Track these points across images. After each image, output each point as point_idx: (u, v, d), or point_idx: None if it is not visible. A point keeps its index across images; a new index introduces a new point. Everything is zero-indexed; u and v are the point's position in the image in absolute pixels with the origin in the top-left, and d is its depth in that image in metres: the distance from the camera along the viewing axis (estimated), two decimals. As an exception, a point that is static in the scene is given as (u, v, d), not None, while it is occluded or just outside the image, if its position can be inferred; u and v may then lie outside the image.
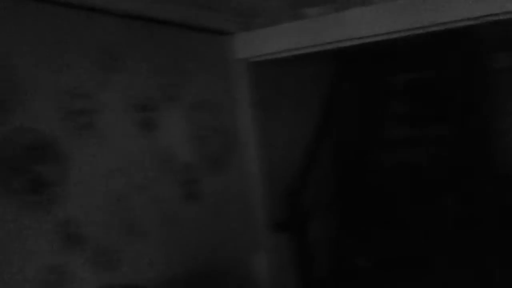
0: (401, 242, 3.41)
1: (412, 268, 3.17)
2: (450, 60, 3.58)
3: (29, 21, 1.54)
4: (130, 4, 1.83)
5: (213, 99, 2.31)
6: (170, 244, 1.97)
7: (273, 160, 2.86)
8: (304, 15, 2.32)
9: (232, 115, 2.43)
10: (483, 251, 3.10)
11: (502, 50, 3.85)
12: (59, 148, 1.59)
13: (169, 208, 1.98)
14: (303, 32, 2.31)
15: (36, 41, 1.56)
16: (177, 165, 2.05)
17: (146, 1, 1.89)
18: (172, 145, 2.04)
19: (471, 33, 3.26)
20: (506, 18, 1.94)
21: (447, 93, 3.66)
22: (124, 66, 1.85)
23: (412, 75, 3.83)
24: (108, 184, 1.74)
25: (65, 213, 1.58)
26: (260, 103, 2.65)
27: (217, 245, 2.22)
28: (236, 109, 2.48)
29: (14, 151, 1.46)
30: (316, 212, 3.22)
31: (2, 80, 1.45)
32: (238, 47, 2.48)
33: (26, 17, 1.53)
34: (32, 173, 1.50)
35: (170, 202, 1.99)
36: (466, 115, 3.55)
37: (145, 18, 1.93)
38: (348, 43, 2.28)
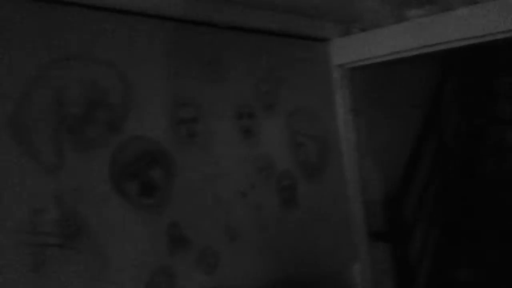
0: (509, 258, 3.15)
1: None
2: None
3: (142, 36, 1.65)
4: (232, 16, 1.89)
5: (311, 106, 2.31)
6: (268, 251, 1.99)
7: (372, 167, 2.79)
8: (406, 17, 2.24)
9: (330, 122, 2.41)
10: None
11: None
12: (167, 154, 1.68)
13: (267, 214, 2.01)
14: (406, 34, 2.22)
15: (148, 55, 1.67)
16: (275, 172, 2.08)
17: (246, 12, 1.95)
18: (270, 152, 2.06)
19: None
20: None
21: None
22: (226, 75, 1.92)
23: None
24: (211, 189, 1.81)
25: (172, 216, 1.67)
26: (359, 109, 2.60)
27: (313, 254, 2.20)
28: (334, 115, 2.45)
29: (130, 157, 1.58)
30: (417, 221, 3.08)
31: (122, 92, 1.58)
32: (336, 53, 2.46)
33: (140, 32, 1.65)
34: (145, 177, 1.61)
35: (268, 208, 2.02)
36: None
37: (246, 29, 1.99)
38: (454, 45, 2.16)
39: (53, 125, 1.40)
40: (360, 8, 2.38)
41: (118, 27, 1.59)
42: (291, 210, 2.12)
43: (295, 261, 2.11)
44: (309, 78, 2.32)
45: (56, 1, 1.43)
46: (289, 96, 2.19)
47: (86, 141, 1.48)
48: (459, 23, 2.06)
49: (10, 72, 1.32)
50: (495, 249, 3.28)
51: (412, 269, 2.84)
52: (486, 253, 3.31)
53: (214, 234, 1.80)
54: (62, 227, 1.38)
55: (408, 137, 3.18)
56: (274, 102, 2.12)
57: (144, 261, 1.58)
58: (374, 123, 2.97)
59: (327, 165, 2.36)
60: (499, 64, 3.66)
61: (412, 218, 3.00)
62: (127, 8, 1.58)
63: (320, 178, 2.31)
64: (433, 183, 3.28)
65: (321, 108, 2.37)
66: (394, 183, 2.96)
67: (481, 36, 2.05)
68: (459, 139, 3.61)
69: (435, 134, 3.32)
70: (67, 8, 1.46)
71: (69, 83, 1.45)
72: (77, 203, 1.43)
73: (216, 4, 1.83)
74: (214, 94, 1.87)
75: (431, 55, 2.37)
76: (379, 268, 2.72)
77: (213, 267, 1.77)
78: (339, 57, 2.46)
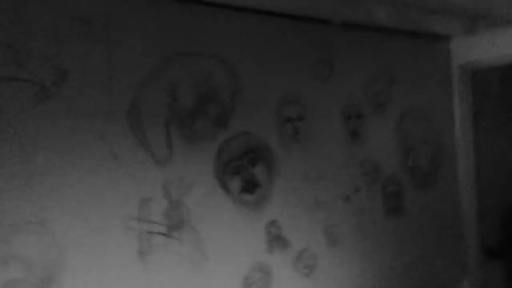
0: None
1: None
2: None
3: (253, 32, 1.65)
4: (345, 12, 1.82)
5: (425, 108, 2.15)
6: (367, 258, 1.90)
7: (489, 176, 2.54)
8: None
9: (446, 126, 2.23)
10: None
11: None
12: (270, 152, 1.67)
13: (370, 221, 1.92)
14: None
15: (258, 52, 1.66)
16: (381, 176, 1.97)
17: (359, 7, 1.86)
18: (377, 156, 1.96)
19: None
20: None
21: None
22: (336, 73, 1.85)
23: None
24: (312, 190, 1.77)
25: (272, 215, 1.66)
26: (479, 114, 2.38)
27: (417, 265, 2.06)
28: (451, 119, 2.26)
29: (235, 153, 1.59)
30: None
31: (232, 88, 1.59)
32: (457, 52, 2.26)
33: (250, 29, 1.65)
34: (247, 174, 1.61)
35: (371, 215, 1.93)
36: None
37: (358, 25, 1.90)
38: None
39: (166, 117, 1.46)
40: (488, 2, 2.15)
41: (230, 23, 1.60)
42: (396, 218, 2.01)
43: (397, 273, 1.99)
44: (426, 78, 2.16)
45: (174, -2, 1.48)
46: (402, 97, 2.06)
47: (195, 134, 1.52)
48: None
49: (128, 68, 1.40)
50: None
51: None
52: None
53: (313, 236, 1.76)
54: (168, 217, 1.44)
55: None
56: (385, 102, 2.01)
57: (242, 256, 1.59)
58: (496, 130, 2.69)
59: (439, 172, 2.19)
60: None
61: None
62: (239, 4, 1.59)
63: (431, 185, 2.15)
64: None
65: (438, 111, 2.20)
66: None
67: None
68: None
69: None
70: (180, 5, 1.50)
71: (183, 78, 1.49)
72: (183, 195, 1.48)
73: (331, 0, 1.77)
74: (323, 93, 1.82)
75: None
76: (491, 286, 2.48)
77: (310, 270, 1.74)
78: (461, 56, 2.26)
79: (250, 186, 1.62)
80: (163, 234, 1.43)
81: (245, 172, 1.61)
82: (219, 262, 1.53)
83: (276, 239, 1.66)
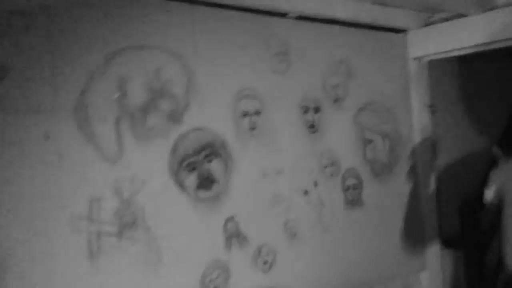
0: None
1: None
2: None
3: (206, 25, 1.61)
4: (301, 5, 1.80)
5: (383, 101, 2.16)
6: (327, 251, 1.90)
7: (447, 168, 2.59)
8: (496, 4, 2.01)
9: (404, 118, 2.25)
10: None
11: None
12: (227, 147, 1.65)
13: (330, 213, 1.92)
14: (493, 25, 2.00)
15: (211, 45, 1.63)
16: (340, 170, 1.97)
17: (316, 1, 1.85)
18: (335, 149, 1.96)
19: None
20: None
21: None
22: (293, 67, 1.84)
23: None
24: (271, 185, 1.75)
25: (230, 211, 1.63)
26: (436, 106, 2.41)
27: (377, 258, 2.08)
28: (409, 112, 2.28)
29: (190, 149, 1.56)
30: (496, 228, 2.82)
31: (186, 82, 1.55)
32: (414, 45, 2.28)
33: (204, 21, 1.61)
34: (203, 170, 1.58)
35: (331, 207, 1.93)
36: None
37: (315, 18, 1.89)
38: None
39: (116, 114, 1.41)
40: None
41: (182, 16, 1.56)
42: (356, 211, 2.01)
43: (357, 265, 2.00)
44: (383, 71, 2.18)
45: (122, -10, 1.43)
46: (359, 90, 2.07)
47: (147, 131, 1.48)
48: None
49: (75, 63, 1.34)
50: None
51: (487, 281, 2.61)
52: None
53: (272, 231, 1.74)
54: (119, 217, 1.39)
55: (491, 138, 2.91)
56: (343, 95, 2.01)
57: (199, 255, 1.56)
58: (453, 121, 2.75)
59: (398, 164, 2.21)
60: None
61: (491, 225, 2.75)
62: (192, -3, 1.55)
63: (390, 177, 2.17)
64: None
65: (395, 103, 2.22)
66: (472, 185, 2.73)
67: None
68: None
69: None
70: (131, -2, 1.45)
71: (133, 73, 1.45)
72: (135, 193, 1.43)
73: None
74: (280, 87, 1.80)
75: None
76: (450, 278, 2.53)
77: (269, 265, 1.72)
78: (417, 49, 2.28)
79: (206, 182, 1.59)
80: (115, 235, 1.38)
81: (201, 169, 1.58)
82: (174, 261, 1.49)
83: (234, 236, 1.64)
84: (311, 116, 1.89)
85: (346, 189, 1.99)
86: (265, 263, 1.71)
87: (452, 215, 2.56)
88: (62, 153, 1.30)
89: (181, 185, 1.53)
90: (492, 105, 2.96)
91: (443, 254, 2.40)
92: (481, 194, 2.69)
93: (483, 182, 2.74)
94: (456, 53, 2.23)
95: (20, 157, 1.24)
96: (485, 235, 2.67)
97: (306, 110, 1.87)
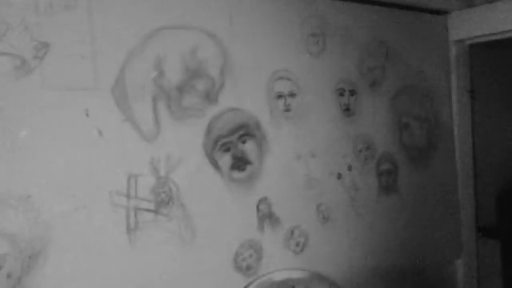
0: None
1: None
2: None
3: (242, 6, 1.61)
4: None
5: (422, 85, 2.11)
6: (359, 236, 1.89)
7: (485, 155, 2.52)
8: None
9: (443, 103, 2.19)
10: None
11: None
12: (261, 129, 1.65)
13: (363, 198, 1.90)
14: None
15: (247, 25, 1.63)
16: (375, 154, 1.95)
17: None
18: (371, 133, 1.94)
19: None
20: None
21: None
22: (329, 49, 1.82)
23: None
24: (304, 167, 1.75)
25: (262, 192, 1.64)
26: (476, 91, 2.34)
27: (410, 244, 2.05)
28: (448, 97, 2.22)
29: (225, 129, 1.57)
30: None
31: (221, 63, 1.56)
32: (455, 27, 2.21)
33: (239, 2, 1.61)
34: (237, 151, 1.59)
35: (364, 192, 1.91)
36: None
37: (354, -1, 1.86)
38: None
39: (153, 93, 1.43)
40: (487, -24, 2.10)
41: None
42: (390, 197, 1.99)
43: (390, 251, 1.98)
44: (423, 54, 2.12)
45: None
46: (398, 73, 2.02)
47: (183, 110, 1.49)
48: None
49: (113, 41, 1.37)
50: None
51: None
52: None
53: (304, 214, 1.74)
54: (155, 194, 1.42)
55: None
56: (380, 79, 1.97)
57: (232, 234, 1.58)
58: (494, 108, 2.66)
59: (435, 150, 2.16)
60: None
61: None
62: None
63: (427, 163, 2.13)
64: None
65: (434, 88, 2.16)
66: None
67: None
68: None
69: None
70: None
71: (170, 52, 1.46)
72: (170, 171, 1.46)
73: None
74: (315, 69, 1.79)
75: None
76: (487, 267, 2.48)
77: (301, 247, 1.73)
78: (458, 32, 2.21)
79: (240, 163, 1.61)
80: (151, 211, 1.42)
81: (235, 149, 1.59)
82: (208, 239, 1.52)
83: (267, 217, 1.65)
84: (347, 99, 1.87)
85: (380, 174, 1.96)
86: (297, 245, 1.72)
87: (490, 203, 2.50)
88: (101, 130, 1.34)
89: (215, 165, 1.55)
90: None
91: (480, 242, 2.35)
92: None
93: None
94: (498, 37, 2.15)
95: (61, 133, 1.28)
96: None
97: (341, 93, 1.85)
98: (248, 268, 1.60)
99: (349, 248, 1.86)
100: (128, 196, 1.38)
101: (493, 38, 2.18)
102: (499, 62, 2.69)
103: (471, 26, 2.18)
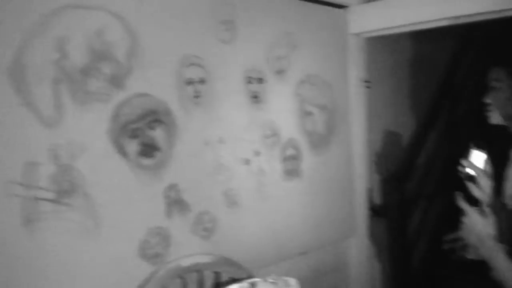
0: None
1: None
2: None
3: (153, -12, 1.56)
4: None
5: (323, 75, 2.22)
6: (266, 219, 1.96)
7: (379, 141, 2.73)
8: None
9: (341, 92, 2.33)
10: None
11: None
12: (171, 115, 1.62)
13: (269, 183, 1.97)
14: (427, 4, 2.08)
15: (156, 9, 1.58)
16: (281, 140, 2.02)
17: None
18: (277, 120, 2.00)
19: None
20: None
21: None
22: (239, 37, 1.83)
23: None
24: (213, 154, 1.76)
25: (171, 179, 1.63)
26: (372, 82, 2.52)
27: (312, 226, 2.17)
28: (346, 86, 2.36)
29: (132, 115, 1.52)
30: (418, 201, 3.05)
31: (129, 47, 1.50)
32: (353, 21, 2.34)
33: (150, -17, 1.55)
34: (146, 137, 1.55)
35: (270, 176, 1.98)
36: None
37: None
38: (477, 18, 2.01)
39: (54, 75, 1.34)
40: (384, -26, 2.24)
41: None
42: (294, 180, 2.08)
43: (295, 232, 2.08)
44: (324, 45, 2.22)
45: None
46: (301, 62, 2.10)
47: (88, 95, 1.42)
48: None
49: (11, 20, 1.25)
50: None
51: (407, 246, 2.83)
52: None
53: (213, 199, 1.76)
54: (56, 183, 1.34)
55: (420, 115, 3.10)
56: (286, 67, 2.04)
57: (139, 222, 1.55)
58: (387, 98, 2.88)
59: (334, 137, 2.30)
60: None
61: (413, 197, 2.96)
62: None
63: (326, 149, 2.26)
64: (436, 164, 3.21)
65: (334, 78, 2.28)
66: (400, 158, 2.91)
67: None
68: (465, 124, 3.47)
69: (442, 115, 3.20)
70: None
71: (73, 33, 1.37)
72: (73, 159, 1.39)
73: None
74: (225, 56, 1.79)
75: (455, 29, 2.24)
76: (377, 244, 2.71)
77: (209, 232, 1.75)
78: (356, 25, 2.35)
79: (149, 149, 1.57)
80: (52, 201, 1.34)
81: (143, 136, 1.55)
82: (113, 228, 1.48)
83: (175, 203, 1.64)
84: (255, 87, 1.90)
85: (285, 159, 2.04)
86: (205, 230, 1.74)
87: (382, 187, 2.73)
88: (-5, 115, 1.23)
89: (122, 151, 1.50)
90: (422, 83, 3.15)
91: (370, 221, 2.56)
92: (406, 167, 2.88)
93: (409, 155, 2.93)
94: (392, 31, 2.32)
95: None
96: (408, 205, 2.88)
97: (250, 81, 1.88)
98: (156, 255, 1.59)
99: (256, 231, 1.92)
100: (25, 185, 1.29)
101: (388, 32, 2.35)
102: (393, 54, 2.92)
103: (368, 20, 2.32)
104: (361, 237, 2.50)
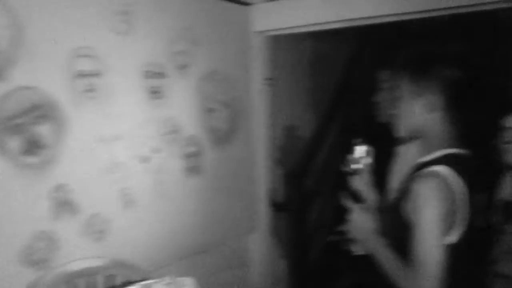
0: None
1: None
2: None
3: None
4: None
5: (226, 71, 2.21)
6: (165, 218, 1.91)
7: (280, 138, 2.79)
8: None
9: (244, 89, 2.34)
10: None
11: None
12: (59, 109, 1.51)
13: (168, 181, 1.92)
14: (328, 6, 2.15)
15: (45, -5, 1.46)
16: (181, 137, 1.98)
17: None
18: (178, 116, 1.96)
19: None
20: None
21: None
22: (137, 30, 1.75)
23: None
24: (107, 151, 1.68)
25: (59, 179, 1.52)
26: (274, 79, 2.56)
27: (214, 223, 2.17)
28: (249, 83, 2.38)
29: (15, 110, 1.39)
30: (317, 197, 3.16)
31: (11, 35, 1.37)
32: (257, 19, 2.36)
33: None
34: (30, 133, 1.43)
35: (170, 174, 1.93)
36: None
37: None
38: (371, 21, 2.12)
39: None
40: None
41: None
42: (195, 178, 2.05)
43: (195, 230, 2.05)
44: (226, 41, 2.21)
45: None
46: (203, 58, 2.07)
47: (-40, 86, 1.27)
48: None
49: None
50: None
51: (306, 240, 2.93)
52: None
53: (107, 199, 1.68)
54: None
55: (320, 113, 3.21)
56: (188, 63, 1.99)
57: (23, 225, 1.43)
58: (289, 96, 2.95)
59: (236, 133, 2.30)
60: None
61: (312, 193, 3.07)
62: None
63: (229, 145, 2.26)
64: (333, 161, 3.35)
65: (236, 74, 2.28)
66: (301, 155, 3.00)
67: (399, 14, 2.00)
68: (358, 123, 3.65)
69: (340, 113, 3.34)
70: None
71: None
72: None
73: None
74: (121, 49, 1.71)
75: (356, 31, 2.32)
76: (278, 238, 2.77)
77: (102, 234, 1.66)
78: (260, 23, 2.37)
79: (33, 147, 1.45)
80: None
81: (27, 132, 1.43)
82: (-6, 233, 1.35)
83: (64, 204, 1.54)
84: (154, 82, 1.84)
85: (186, 157, 2.01)
86: (98, 232, 1.65)
87: (283, 183, 2.79)
88: None
89: (2, 149, 1.37)
90: (321, 82, 3.27)
91: (271, 216, 2.61)
92: (305, 163, 2.98)
93: (306, 156, 3.03)
94: (295, 31, 2.37)
95: None
96: (308, 200, 2.98)
97: (149, 75, 1.81)
98: (42, 261, 1.48)
99: (154, 231, 1.87)
100: None
101: (290, 31, 2.39)
102: (296, 53, 2.99)
103: (271, 19, 2.35)
104: (263, 232, 2.54)
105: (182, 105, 1.97)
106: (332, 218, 3.29)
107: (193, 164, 2.05)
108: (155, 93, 1.85)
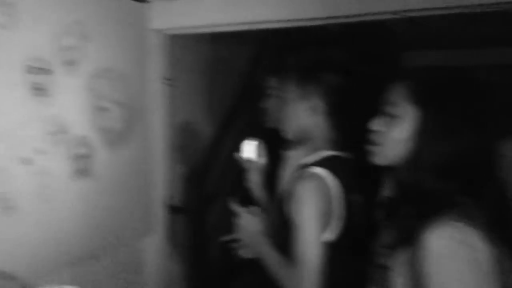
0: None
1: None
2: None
3: None
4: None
5: (120, 69, 2.13)
6: (50, 223, 1.79)
7: (178, 140, 2.75)
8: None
9: (140, 88, 2.27)
10: None
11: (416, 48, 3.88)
12: None
13: (54, 184, 1.80)
14: (228, 8, 2.17)
15: None
16: (69, 137, 1.87)
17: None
18: (65, 115, 1.84)
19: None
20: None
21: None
22: (20, 22, 1.62)
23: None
24: (-18, 152, 1.53)
25: None
26: (172, 79, 2.52)
27: (105, 227, 2.07)
28: (145, 82, 2.31)
29: None
30: (217, 199, 3.17)
31: None
32: (155, 17, 2.31)
33: None
34: None
35: (57, 177, 1.81)
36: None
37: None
38: (270, 25, 2.17)
39: None
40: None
41: None
42: (85, 181, 1.95)
43: (84, 236, 1.95)
44: (122, 39, 2.14)
45: None
46: (96, 55, 1.98)
47: None
48: (278, 5, 2.04)
49: None
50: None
51: (204, 243, 2.92)
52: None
53: (-20, 205, 1.53)
54: None
55: (221, 115, 3.23)
56: (77, 59, 1.89)
57: None
58: (188, 96, 2.92)
59: (131, 134, 2.23)
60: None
61: (212, 195, 3.07)
62: None
63: (123, 146, 2.18)
64: (234, 164, 3.37)
65: (132, 73, 2.21)
66: (200, 156, 2.99)
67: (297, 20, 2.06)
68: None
69: (240, 117, 3.39)
70: None
71: None
72: None
73: None
74: (1, 42, 1.57)
75: (262, 34, 2.35)
76: (175, 241, 2.73)
77: (-25, 244, 1.52)
78: (158, 21, 2.32)
79: None
80: None
81: None
82: None
83: None
84: (38, 78, 1.71)
85: (75, 158, 1.90)
86: (-30, 241, 1.50)
87: (181, 184, 2.76)
88: None
89: None
90: (222, 84, 3.29)
91: (169, 219, 2.57)
92: (206, 165, 2.98)
93: (206, 158, 3.03)
94: (194, 31, 2.36)
95: None
96: (206, 202, 2.98)
97: (32, 71, 1.69)
98: None
99: (37, 238, 1.74)
100: None
101: (191, 31, 2.37)
102: (196, 53, 2.97)
103: (171, 17, 2.31)
104: (159, 236, 2.49)
105: (71, 104, 1.86)
106: (230, 220, 3.32)
107: (83, 166, 1.94)
108: (39, 89, 1.72)
